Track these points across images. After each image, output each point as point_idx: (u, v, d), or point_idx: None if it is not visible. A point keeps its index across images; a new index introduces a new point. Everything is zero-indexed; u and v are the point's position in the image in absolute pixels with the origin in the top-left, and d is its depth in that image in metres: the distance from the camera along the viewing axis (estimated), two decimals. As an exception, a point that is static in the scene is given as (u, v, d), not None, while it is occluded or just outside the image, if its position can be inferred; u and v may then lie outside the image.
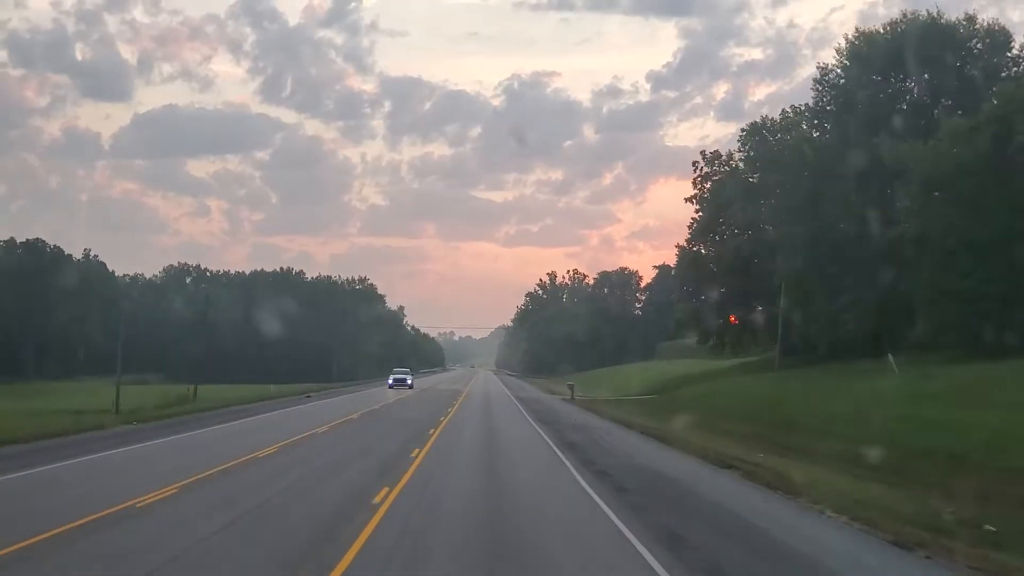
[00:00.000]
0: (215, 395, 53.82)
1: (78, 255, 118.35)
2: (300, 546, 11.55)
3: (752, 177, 61.18)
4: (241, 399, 51.92)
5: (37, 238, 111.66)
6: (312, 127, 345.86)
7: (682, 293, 71.29)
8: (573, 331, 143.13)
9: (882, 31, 50.70)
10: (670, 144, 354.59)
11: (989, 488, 17.59)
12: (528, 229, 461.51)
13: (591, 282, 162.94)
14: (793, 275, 51.71)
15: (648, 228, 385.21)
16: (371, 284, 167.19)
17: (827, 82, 52.84)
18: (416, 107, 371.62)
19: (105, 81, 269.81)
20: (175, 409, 42.40)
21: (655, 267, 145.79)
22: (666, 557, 11.37)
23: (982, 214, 38.21)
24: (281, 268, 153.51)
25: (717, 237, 63.52)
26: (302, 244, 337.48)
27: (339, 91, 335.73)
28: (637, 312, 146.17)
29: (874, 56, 48.93)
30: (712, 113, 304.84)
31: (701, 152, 64.62)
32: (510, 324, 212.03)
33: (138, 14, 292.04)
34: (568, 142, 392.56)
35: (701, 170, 63.99)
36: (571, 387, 67.91)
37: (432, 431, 30.30)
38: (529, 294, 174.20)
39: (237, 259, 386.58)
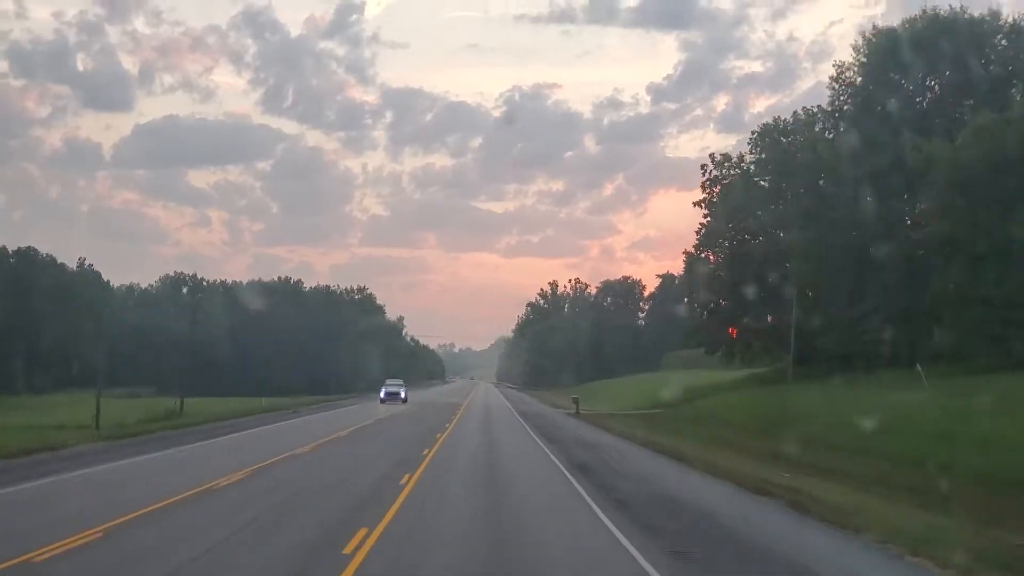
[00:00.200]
0: (203, 409, 51.54)
1: (73, 265, 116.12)
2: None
3: (763, 180, 58.90)
4: (228, 413, 49.49)
5: (29, 246, 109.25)
6: (313, 138, 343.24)
7: (690, 301, 68.75)
8: (575, 342, 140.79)
9: (900, 29, 48.34)
10: (671, 155, 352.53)
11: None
12: (529, 240, 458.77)
13: (593, 291, 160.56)
14: (808, 282, 49.43)
15: (649, 239, 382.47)
16: (370, 294, 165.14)
17: (843, 80, 50.52)
18: (417, 118, 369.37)
19: (106, 91, 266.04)
20: (156, 425, 39.92)
21: (659, 276, 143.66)
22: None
23: (1016, 216, 35.88)
24: (279, 278, 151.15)
25: (727, 243, 61.13)
26: (303, 255, 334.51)
27: (340, 102, 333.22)
28: (641, 322, 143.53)
29: (894, 53, 46.54)
30: (712, 125, 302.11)
31: (710, 155, 62.38)
32: (510, 335, 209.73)
33: (139, 25, 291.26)
34: (569, 153, 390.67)
35: (710, 173, 61.64)
36: (575, 401, 65.31)
37: (426, 451, 27.56)
38: (530, 304, 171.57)
39: (237, 270, 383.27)
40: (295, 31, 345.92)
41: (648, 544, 13.32)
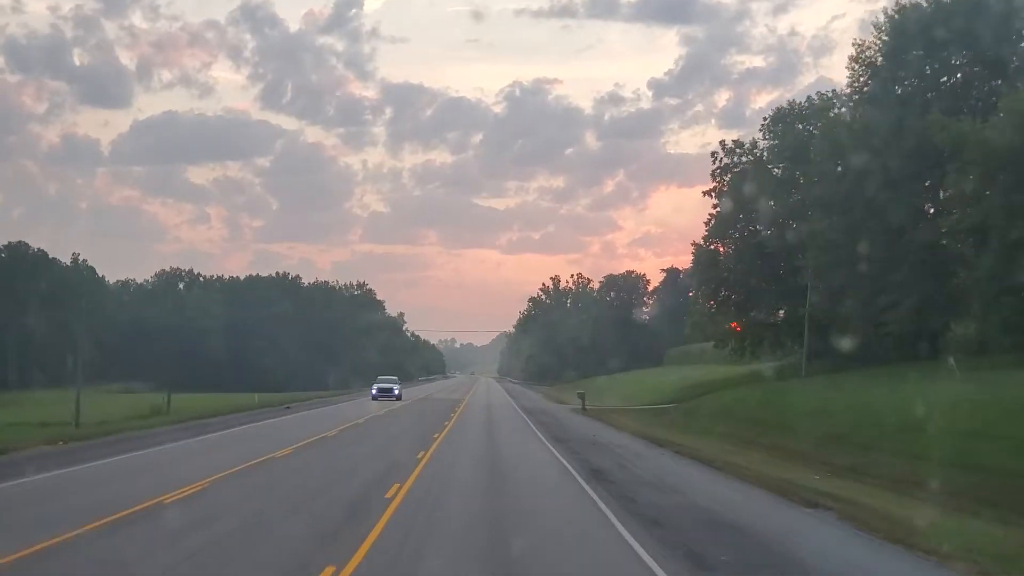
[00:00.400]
0: (192, 405, 49.59)
1: (67, 260, 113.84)
2: None
3: (777, 167, 56.42)
4: (216, 410, 47.33)
5: (20, 241, 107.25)
6: (313, 134, 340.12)
7: (699, 294, 66.21)
8: (578, 336, 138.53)
9: (925, 4, 45.60)
10: (672, 151, 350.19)
11: None
12: (530, 236, 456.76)
13: (596, 287, 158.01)
14: (825, 272, 46.99)
15: (650, 235, 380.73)
16: (370, 290, 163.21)
17: (863, 60, 47.94)
18: (417, 114, 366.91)
19: (104, 87, 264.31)
20: (139, 422, 37.85)
21: (663, 271, 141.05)
22: None
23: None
24: (276, 273, 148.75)
25: (737, 233, 58.66)
26: (303, 252, 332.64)
27: (340, 98, 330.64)
28: (645, 317, 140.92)
29: (919, 31, 43.89)
30: (713, 120, 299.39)
31: (720, 142, 59.86)
32: (512, 331, 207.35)
33: (137, 20, 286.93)
34: (569, 149, 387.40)
35: (720, 161, 59.11)
36: (581, 396, 63.02)
37: (421, 454, 25.16)
38: (532, 299, 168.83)
39: (237, 266, 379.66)
40: (294, 26, 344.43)
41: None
